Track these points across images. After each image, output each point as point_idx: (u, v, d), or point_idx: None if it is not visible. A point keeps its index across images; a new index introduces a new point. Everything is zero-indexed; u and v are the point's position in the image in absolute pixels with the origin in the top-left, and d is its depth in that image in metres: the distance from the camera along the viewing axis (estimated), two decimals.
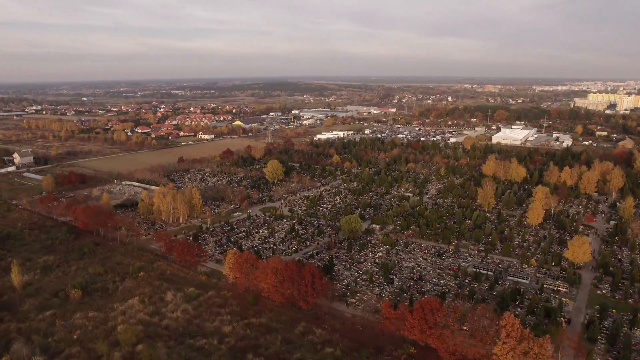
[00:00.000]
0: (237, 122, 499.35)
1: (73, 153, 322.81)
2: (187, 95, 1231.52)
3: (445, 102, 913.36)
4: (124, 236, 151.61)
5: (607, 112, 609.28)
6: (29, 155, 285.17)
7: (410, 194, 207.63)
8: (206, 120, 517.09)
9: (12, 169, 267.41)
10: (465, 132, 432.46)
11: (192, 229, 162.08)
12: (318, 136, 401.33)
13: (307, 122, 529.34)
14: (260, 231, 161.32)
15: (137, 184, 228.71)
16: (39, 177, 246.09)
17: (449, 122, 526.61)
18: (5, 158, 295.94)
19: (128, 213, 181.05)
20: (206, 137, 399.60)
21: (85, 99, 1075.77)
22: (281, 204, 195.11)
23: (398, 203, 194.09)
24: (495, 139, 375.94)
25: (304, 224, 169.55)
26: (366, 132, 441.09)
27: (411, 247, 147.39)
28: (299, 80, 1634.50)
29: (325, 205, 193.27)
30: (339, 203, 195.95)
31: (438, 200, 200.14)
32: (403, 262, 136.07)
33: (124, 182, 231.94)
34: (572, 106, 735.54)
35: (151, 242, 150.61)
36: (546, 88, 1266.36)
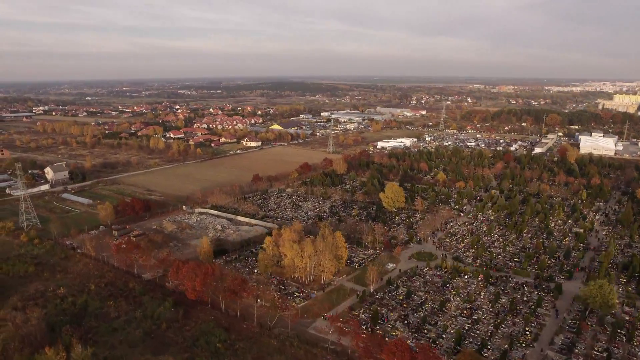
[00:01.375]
0: (276, 126, 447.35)
1: (110, 165, 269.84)
2: (194, 95, 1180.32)
3: (465, 104, 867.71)
4: (260, 313, 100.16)
5: None
6: (64, 170, 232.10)
7: (580, 230, 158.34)
8: (239, 124, 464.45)
9: (45, 187, 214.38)
10: (544, 140, 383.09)
11: (349, 295, 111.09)
12: (381, 144, 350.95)
13: (350, 127, 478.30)
14: (452, 299, 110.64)
15: (215, 212, 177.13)
16: (83, 200, 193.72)
17: (506, 128, 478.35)
18: (31, 172, 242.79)
19: (234, 264, 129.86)
20: (253, 144, 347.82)
21: (89, 98, 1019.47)
22: (434, 246, 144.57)
23: (582, 245, 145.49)
24: (584, 149, 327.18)
25: (498, 283, 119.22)
26: (427, 139, 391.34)
27: None
28: (303, 80, 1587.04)
29: (493, 250, 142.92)
30: (508, 246, 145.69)
31: (629, 240, 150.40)
32: None
33: (197, 210, 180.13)
34: (601, 108, 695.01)
35: (304, 321, 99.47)
36: (560, 89, 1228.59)
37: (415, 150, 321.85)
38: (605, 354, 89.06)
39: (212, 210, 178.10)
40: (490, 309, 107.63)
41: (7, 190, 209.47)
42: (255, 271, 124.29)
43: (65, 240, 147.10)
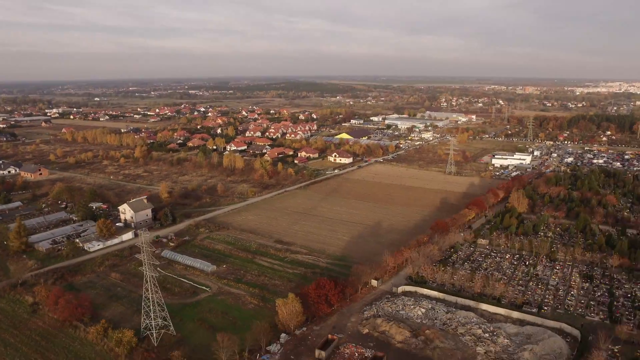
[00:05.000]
0: (345, 135, 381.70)
1: (193, 195, 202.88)
2: (207, 95, 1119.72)
3: (497, 106, 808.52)
4: None
5: None
6: (146, 208, 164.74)
7: None
8: (300, 132, 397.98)
9: (128, 235, 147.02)
10: None
11: None
12: (496, 162, 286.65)
13: (426, 136, 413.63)
14: None
15: (433, 293, 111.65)
16: (203, 264, 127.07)
17: (604, 138, 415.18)
18: (95, 205, 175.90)
19: None
20: (345, 161, 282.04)
21: (98, 99, 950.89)
22: None
23: None
24: None
25: None
26: (535, 154, 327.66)
27: None
28: (313, 80, 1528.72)
29: None
30: None
31: None
32: None
33: (401, 289, 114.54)
34: None
35: None
36: (582, 89, 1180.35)
37: (548, 171, 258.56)
38: None
39: (425, 290, 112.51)
40: None
41: (79, 242, 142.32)
42: None
43: None
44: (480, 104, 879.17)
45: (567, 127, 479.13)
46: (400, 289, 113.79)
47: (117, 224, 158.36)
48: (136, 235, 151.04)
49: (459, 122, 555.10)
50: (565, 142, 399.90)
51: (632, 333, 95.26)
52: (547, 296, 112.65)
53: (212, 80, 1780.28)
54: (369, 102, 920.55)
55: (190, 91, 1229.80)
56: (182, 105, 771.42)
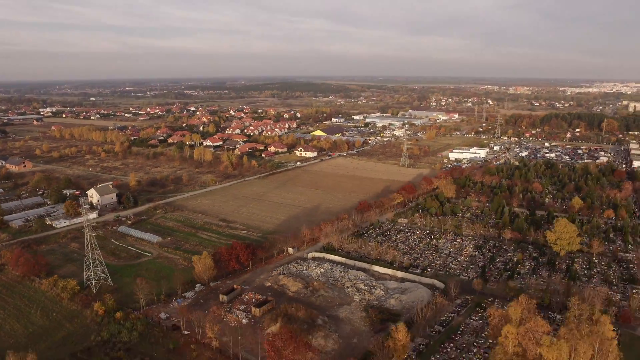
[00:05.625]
0: (319, 132, 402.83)
1: (158, 183, 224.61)
2: (202, 95, 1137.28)
3: (487, 105, 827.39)
4: None
5: None
6: (111, 192, 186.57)
7: None
8: (277, 130, 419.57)
9: (93, 215, 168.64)
10: (634, 151, 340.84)
11: None
12: (452, 155, 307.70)
13: (398, 133, 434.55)
14: None
15: (337, 258, 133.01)
16: (151, 236, 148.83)
17: (568, 135, 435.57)
18: (67, 192, 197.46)
19: (431, 358, 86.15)
20: (309, 154, 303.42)
21: (93, 99, 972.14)
22: None
23: None
24: None
25: None
26: (495, 148, 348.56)
27: None
28: (308, 80, 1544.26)
29: None
30: None
31: None
32: None
33: (311, 255, 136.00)
34: (632, 110, 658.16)
35: None
36: (574, 90, 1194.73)
37: (498, 163, 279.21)
38: None
39: (331, 256, 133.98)
40: None
41: (48, 221, 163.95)
42: None
43: (157, 310, 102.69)
44: (469, 104, 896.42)
45: (539, 124, 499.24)
46: (311, 255, 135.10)
47: (85, 206, 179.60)
48: (100, 215, 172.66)
49: (437, 121, 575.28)
50: (531, 138, 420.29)
51: (486, 286, 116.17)
52: (435, 261, 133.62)
53: (210, 80, 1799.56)
54: (359, 102, 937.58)
55: (185, 91, 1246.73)
56: (174, 105, 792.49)
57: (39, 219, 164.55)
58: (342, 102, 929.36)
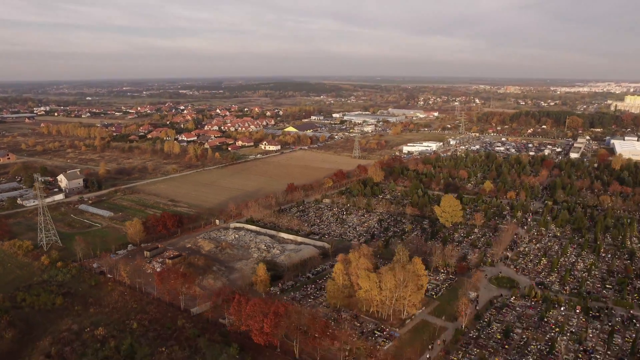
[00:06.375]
0: (291, 128, 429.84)
1: (125, 171, 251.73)
2: (196, 95, 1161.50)
3: (473, 105, 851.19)
4: (340, 356, 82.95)
5: None
6: (78, 177, 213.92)
7: None
8: (252, 126, 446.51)
9: (60, 197, 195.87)
10: (576, 144, 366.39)
11: (439, 334, 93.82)
12: (406, 149, 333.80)
13: (367, 129, 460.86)
14: (557, 338, 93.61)
15: (253, 227, 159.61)
16: (104, 212, 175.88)
17: (529, 130, 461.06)
18: (43, 178, 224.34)
19: (290, 292, 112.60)
20: (272, 148, 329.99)
21: (89, 98, 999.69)
22: (510, 269, 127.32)
23: None
24: (622, 154, 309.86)
25: (601, 316, 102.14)
26: (451, 142, 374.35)
27: None
28: (304, 80, 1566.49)
29: (578, 274, 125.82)
30: (594, 269, 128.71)
31: None
32: None
33: (233, 225, 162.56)
34: (613, 109, 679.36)
35: None
36: (566, 89, 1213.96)
37: (445, 155, 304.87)
38: None
39: (249, 226, 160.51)
40: (608, 352, 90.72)
41: (19, 201, 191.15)
42: (314, 301, 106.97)
43: (91, 262, 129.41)
44: (457, 103, 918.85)
45: (509, 121, 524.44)
46: (232, 225, 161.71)
47: (55, 190, 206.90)
48: (67, 196, 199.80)
49: (414, 118, 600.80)
50: (493, 133, 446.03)
51: (370, 248, 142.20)
52: (336, 230, 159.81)
53: (208, 80, 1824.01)
54: (349, 101, 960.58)
55: (180, 91, 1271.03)
56: (166, 104, 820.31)
57: (11, 199, 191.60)
58: (332, 102, 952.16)
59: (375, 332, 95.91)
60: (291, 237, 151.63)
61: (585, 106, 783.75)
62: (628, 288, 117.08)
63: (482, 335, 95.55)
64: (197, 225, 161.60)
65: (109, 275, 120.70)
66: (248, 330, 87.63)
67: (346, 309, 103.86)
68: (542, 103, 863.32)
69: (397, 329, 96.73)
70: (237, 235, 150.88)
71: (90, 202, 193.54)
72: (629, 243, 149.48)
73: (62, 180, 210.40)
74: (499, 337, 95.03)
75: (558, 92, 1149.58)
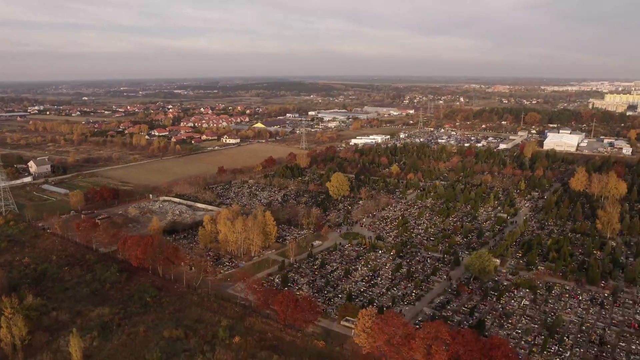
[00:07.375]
0: (259, 125, 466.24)
1: (92, 160, 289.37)
2: (190, 95, 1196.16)
3: (457, 103, 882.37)
4: (190, 277, 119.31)
5: (629, 113, 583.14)
6: (46, 164, 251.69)
7: (504, 215, 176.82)
8: (224, 123, 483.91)
9: (28, 179, 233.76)
10: (511, 137, 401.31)
11: (272, 265, 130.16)
12: (354, 141, 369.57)
13: (332, 125, 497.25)
14: (359, 268, 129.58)
15: (177, 200, 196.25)
16: (61, 190, 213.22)
17: (483, 126, 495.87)
18: (18, 166, 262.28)
19: (181, 241, 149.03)
20: (232, 141, 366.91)
21: (86, 98, 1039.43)
22: (364, 228, 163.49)
23: (499, 227, 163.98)
24: (548, 145, 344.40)
25: (407, 257, 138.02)
26: (401, 136, 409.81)
27: (556, 292, 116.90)
28: (300, 80, 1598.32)
29: (415, 231, 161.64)
30: (431, 227, 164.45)
31: (545, 224, 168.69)
32: (562, 315, 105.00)
33: (162, 198, 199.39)
34: (591, 107, 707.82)
35: (226, 284, 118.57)
36: (555, 88, 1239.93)
37: (384, 146, 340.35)
38: (470, 309, 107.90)
39: (175, 198, 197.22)
40: (390, 276, 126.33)
41: None
42: (195, 245, 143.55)
43: (38, 222, 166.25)
44: (441, 101, 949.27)
45: (472, 117, 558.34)
46: (162, 198, 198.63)
47: (25, 174, 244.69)
48: (34, 179, 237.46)
49: (386, 115, 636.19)
50: (448, 128, 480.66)
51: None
52: (245, 201, 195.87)
53: (205, 80, 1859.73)
54: (336, 100, 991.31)
55: (175, 90, 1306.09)
56: (157, 102, 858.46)
57: None
58: (320, 100, 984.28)
59: (226, 263, 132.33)
60: (205, 206, 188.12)
61: (565, 104, 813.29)
62: (447, 240, 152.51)
63: (303, 266, 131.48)
64: (133, 198, 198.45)
65: (48, 230, 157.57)
66: (129, 258, 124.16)
67: (214, 249, 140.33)
68: (525, 101, 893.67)
69: (244, 262, 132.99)
70: (161, 205, 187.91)
71: (52, 183, 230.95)
72: (481, 210, 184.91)
73: (32, 165, 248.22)
74: (316, 267, 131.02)
75: (545, 91, 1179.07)
